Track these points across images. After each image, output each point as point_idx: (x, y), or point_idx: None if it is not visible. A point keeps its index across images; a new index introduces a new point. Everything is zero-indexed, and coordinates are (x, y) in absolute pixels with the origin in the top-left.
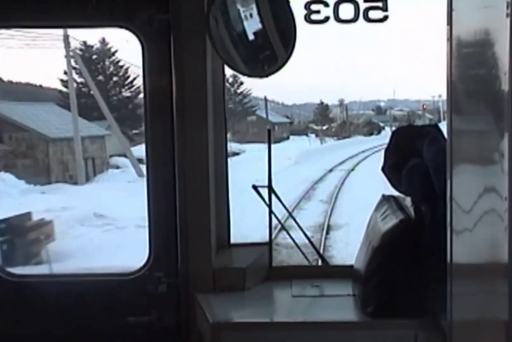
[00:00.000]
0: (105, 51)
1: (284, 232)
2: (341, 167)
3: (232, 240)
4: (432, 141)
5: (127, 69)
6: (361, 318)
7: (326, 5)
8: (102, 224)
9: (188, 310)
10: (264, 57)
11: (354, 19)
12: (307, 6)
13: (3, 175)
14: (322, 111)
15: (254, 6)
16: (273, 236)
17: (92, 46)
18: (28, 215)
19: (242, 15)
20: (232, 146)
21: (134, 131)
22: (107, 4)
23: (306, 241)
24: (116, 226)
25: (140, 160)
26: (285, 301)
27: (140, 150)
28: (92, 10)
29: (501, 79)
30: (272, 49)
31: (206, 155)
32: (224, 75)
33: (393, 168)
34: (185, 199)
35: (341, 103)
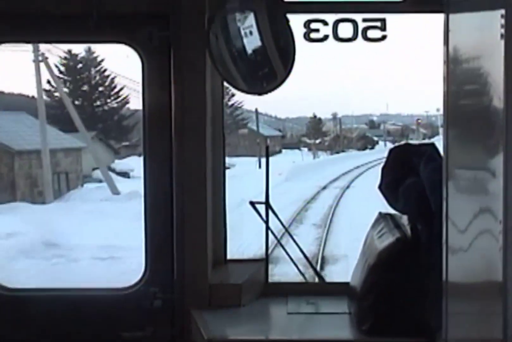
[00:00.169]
0: (91, 60)
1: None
2: (335, 184)
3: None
4: (428, 159)
5: (113, 79)
6: (357, 336)
7: (325, 23)
8: (52, 256)
9: (183, 326)
10: (263, 74)
11: (352, 38)
12: (306, 24)
13: None
14: (315, 124)
15: (254, 23)
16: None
17: (77, 55)
18: None
19: (242, 32)
20: None
21: (124, 143)
22: (108, 20)
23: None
24: (69, 258)
25: (124, 174)
26: (281, 318)
27: (125, 163)
28: (93, 26)
29: (496, 98)
30: (271, 67)
31: (204, 170)
32: (223, 91)
33: (390, 186)
34: (182, 214)
35: (334, 117)
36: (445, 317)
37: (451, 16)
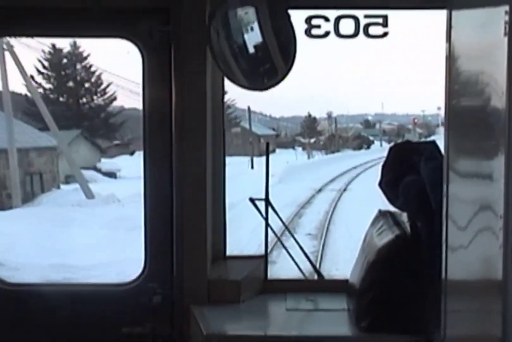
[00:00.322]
0: (76, 55)
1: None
2: (331, 186)
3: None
4: (429, 157)
5: (100, 75)
6: (355, 333)
7: (327, 20)
8: None
9: (182, 322)
10: (264, 70)
11: (354, 35)
12: (307, 20)
13: None
14: (310, 124)
15: (255, 19)
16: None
17: (61, 50)
18: None
19: (243, 28)
20: None
21: (115, 142)
22: (109, 15)
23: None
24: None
25: (110, 175)
26: (280, 314)
27: (112, 163)
28: (94, 21)
29: (498, 97)
30: (272, 63)
31: (204, 167)
32: (223, 87)
33: (390, 183)
34: (182, 211)
35: (329, 116)
36: (444, 315)
37: (454, 12)
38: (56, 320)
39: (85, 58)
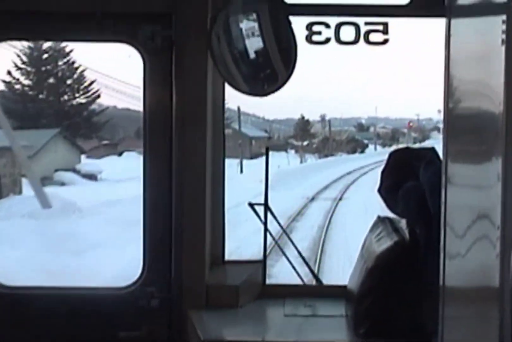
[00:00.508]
0: (58, 51)
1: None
2: (325, 194)
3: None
4: (428, 164)
5: (83, 71)
6: (353, 339)
7: (328, 26)
8: None
9: (180, 326)
10: (265, 75)
11: (354, 41)
12: (308, 27)
13: None
14: (303, 126)
15: (256, 25)
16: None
17: (42, 44)
18: None
19: (244, 33)
20: None
21: (104, 142)
22: (111, 19)
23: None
24: None
25: (91, 177)
26: (278, 320)
27: (93, 164)
28: (96, 25)
29: (496, 105)
30: (273, 68)
31: (203, 171)
32: (224, 91)
33: (389, 189)
34: (181, 214)
35: (323, 118)
36: (441, 321)
37: (453, 21)
38: (54, 323)
39: (68, 53)
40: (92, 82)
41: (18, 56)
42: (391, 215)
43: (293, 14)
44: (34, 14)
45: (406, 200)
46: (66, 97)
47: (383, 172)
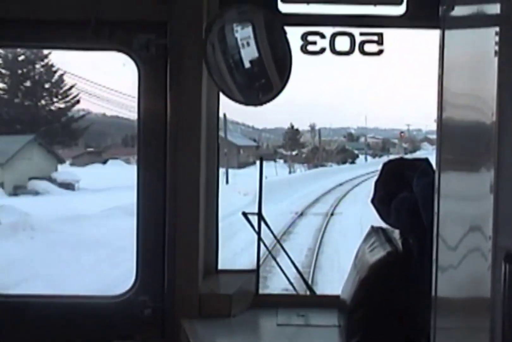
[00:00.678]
0: (36, 53)
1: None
2: (315, 209)
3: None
4: (422, 175)
5: (62, 75)
6: None
7: (323, 36)
8: None
9: (173, 335)
10: (260, 85)
11: (349, 52)
12: (303, 37)
13: None
14: (292, 135)
15: (251, 34)
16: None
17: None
18: None
19: (239, 43)
20: None
21: (88, 149)
22: (106, 28)
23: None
24: None
25: (68, 186)
26: (270, 329)
27: (70, 173)
28: (91, 33)
29: (489, 116)
30: (267, 78)
31: (197, 180)
32: (219, 100)
33: (382, 200)
34: (175, 224)
35: (313, 128)
36: (433, 332)
37: (447, 32)
38: (48, 332)
39: (46, 56)
40: (71, 87)
41: None
42: (384, 225)
43: (288, 24)
44: (29, 22)
45: (399, 211)
46: (43, 101)
47: (376, 183)
